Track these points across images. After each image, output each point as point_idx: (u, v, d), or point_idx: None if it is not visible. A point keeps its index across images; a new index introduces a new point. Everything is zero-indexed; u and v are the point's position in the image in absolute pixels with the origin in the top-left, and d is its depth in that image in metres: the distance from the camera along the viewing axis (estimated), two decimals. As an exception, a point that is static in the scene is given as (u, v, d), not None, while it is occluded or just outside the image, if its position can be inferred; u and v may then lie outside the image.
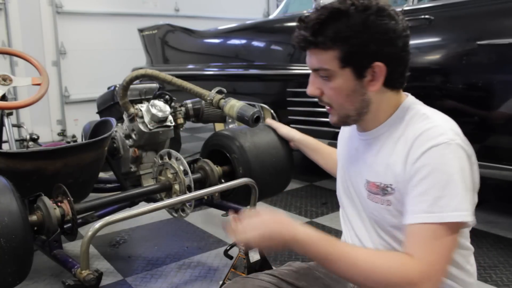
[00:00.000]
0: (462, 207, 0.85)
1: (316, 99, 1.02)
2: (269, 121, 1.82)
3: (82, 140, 2.27)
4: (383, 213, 0.97)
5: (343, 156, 1.16)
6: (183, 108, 1.98)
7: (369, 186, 1.00)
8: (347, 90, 0.96)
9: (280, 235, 0.89)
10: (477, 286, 1.83)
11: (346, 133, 1.18)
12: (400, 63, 0.96)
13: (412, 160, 0.90)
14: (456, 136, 0.89)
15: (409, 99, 1.02)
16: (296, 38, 0.96)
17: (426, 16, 2.25)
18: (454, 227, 0.86)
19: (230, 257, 1.67)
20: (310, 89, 1.00)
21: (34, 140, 2.43)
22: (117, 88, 2.02)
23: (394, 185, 0.94)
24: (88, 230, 1.25)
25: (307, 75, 1.02)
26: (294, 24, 1.01)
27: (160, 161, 1.80)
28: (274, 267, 1.67)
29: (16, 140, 2.49)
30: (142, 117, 1.84)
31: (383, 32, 0.91)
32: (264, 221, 0.91)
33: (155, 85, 2.08)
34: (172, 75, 1.78)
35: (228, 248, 1.66)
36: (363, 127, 1.04)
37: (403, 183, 0.91)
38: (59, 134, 5.36)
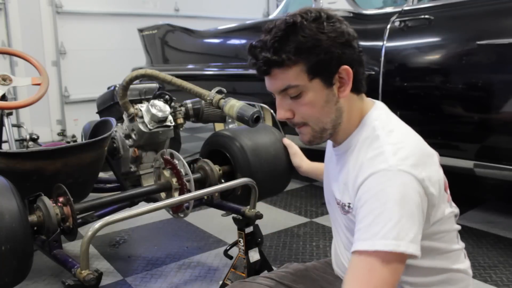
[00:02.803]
0: (394, 235, 0.80)
1: None
2: (286, 141, 1.80)
3: (82, 140, 2.27)
4: (353, 227, 0.96)
5: (326, 168, 1.17)
6: (183, 108, 1.98)
7: (336, 201, 1.03)
8: (321, 101, 0.95)
9: None
10: (477, 286, 1.84)
11: (330, 146, 1.18)
12: (361, 64, 0.97)
13: (356, 186, 0.90)
14: (401, 162, 0.85)
15: (372, 111, 1.00)
16: (256, 63, 0.94)
17: (426, 16, 2.25)
18: (391, 258, 0.80)
19: (230, 257, 1.67)
20: (281, 113, 0.98)
21: (34, 140, 2.43)
22: (117, 88, 2.02)
23: (351, 204, 0.95)
24: (88, 230, 1.25)
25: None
26: None
27: (162, 160, 1.80)
28: (274, 268, 1.68)
29: (16, 140, 2.49)
30: (142, 117, 1.84)
31: (340, 35, 0.92)
32: None
33: (155, 85, 2.08)
34: (172, 75, 1.77)
35: (228, 248, 1.66)
36: (335, 141, 1.05)
37: (354, 206, 0.93)
38: (59, 134, 5.36)
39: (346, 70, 0.93)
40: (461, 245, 1.00)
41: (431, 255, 0.93)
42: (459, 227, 1.00)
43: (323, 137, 1.00)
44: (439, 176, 0.92)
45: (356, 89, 0.97)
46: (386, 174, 0.84)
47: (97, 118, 2.29)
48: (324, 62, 0.91)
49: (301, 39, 0.90)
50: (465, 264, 1.00)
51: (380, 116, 0.98)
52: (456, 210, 0.99)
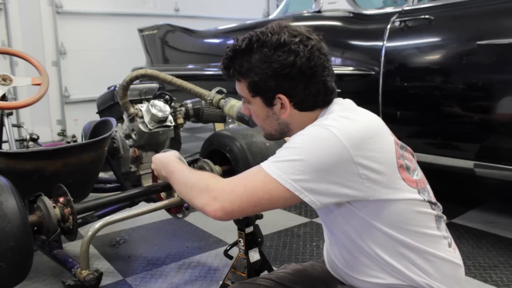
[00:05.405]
0: (280, 166, 0.90)
1: None
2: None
3: (82, 140, 2.27)
4: (325, 218, 1.06)
5: None
6: (183, 108, 1.98)
7: None
8: (262, 115, 1.06)
9: (163, 162, 1.17)
10: (477, 286, 1.84)
11: None
12: (308, 92, 1.00)
13: None
14: (337, 125, 0.91)
15: (329, 108, 1.03)
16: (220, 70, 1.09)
17: (426, 16, 2.25)
18: (270, 182, 0.90)
19: (230, 257, 1.67)
20: (242, 108, 1.13)
21: (34, 140, 2.43)
22: (117, 88, 2.02)
23: None
24: (88, 230, 1.25)
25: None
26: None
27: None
28: (274, 268, 1.68)
29: (16, 140, 2.49)
30: (142, 117, 1.84)
31: (283, 67, 0.97)
32: (160, 155, 1.23)
33: (155, 85, 2.08)
34: (172, 75, 1.77)
35: (228, 248, 1.66)
36: None
37: None
38: (59, 134, 5.36)
39: (282, 98, 1.01)
40: (442, 233, 0.98)
41: (397, 231, 0.93)
42: (437, 213, 0.99)
43: (273, 138, 1.11)
44: (387, 156, 0.92)
45: (303, 110, 1.03)
46: (316, 128, 0.93)
47: (97, 118, 2.29)
48: (260, 87, 1.01)
49: (243, 63, 1.01)
50: (450, 253, 0.98)
51: (342, 102, 1.04)
52: (429, 198, 0.98)
